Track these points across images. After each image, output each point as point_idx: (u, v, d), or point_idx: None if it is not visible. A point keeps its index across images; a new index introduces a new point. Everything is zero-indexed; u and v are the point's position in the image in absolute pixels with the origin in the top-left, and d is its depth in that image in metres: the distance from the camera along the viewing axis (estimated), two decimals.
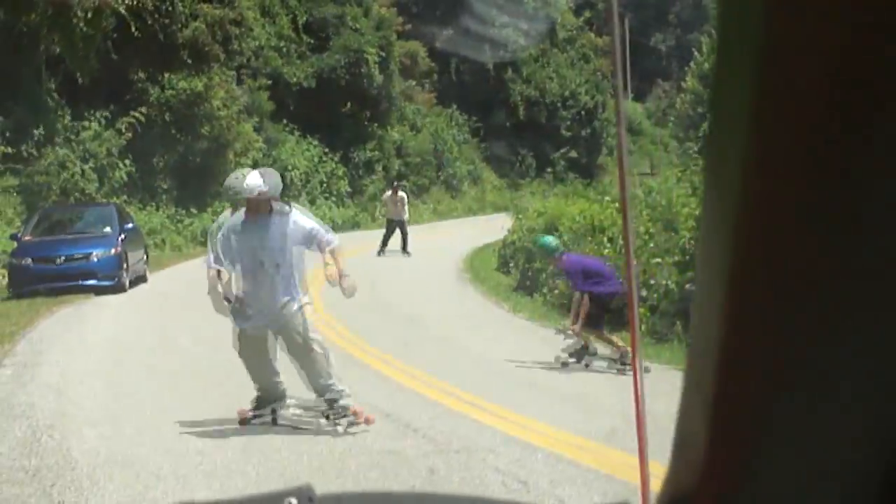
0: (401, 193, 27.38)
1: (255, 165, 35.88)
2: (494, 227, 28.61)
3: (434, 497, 2.13)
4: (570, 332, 11.71)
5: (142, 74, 31.38)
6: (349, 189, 43.41)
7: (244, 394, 8.91)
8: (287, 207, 8.70)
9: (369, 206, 43.74)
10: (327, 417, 8.57)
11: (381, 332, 14.59)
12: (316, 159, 41.27)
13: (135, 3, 27.33)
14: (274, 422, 8.67)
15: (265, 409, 8.74)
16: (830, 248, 0.75)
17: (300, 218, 8.63)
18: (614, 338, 11.66)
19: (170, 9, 30.59)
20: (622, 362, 11.26)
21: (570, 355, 11.68)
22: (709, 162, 0.82)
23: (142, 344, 13.80)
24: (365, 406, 9.12)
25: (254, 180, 8.41)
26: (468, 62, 55.90)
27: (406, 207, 27.08)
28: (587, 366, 11.67)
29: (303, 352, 8.51)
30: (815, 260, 0.75)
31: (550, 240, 12.84)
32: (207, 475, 7.33)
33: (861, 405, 0.78)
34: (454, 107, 54.33)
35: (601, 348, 11.91)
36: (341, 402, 8.53)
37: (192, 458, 7.70)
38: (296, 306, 8.49)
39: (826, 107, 0.72)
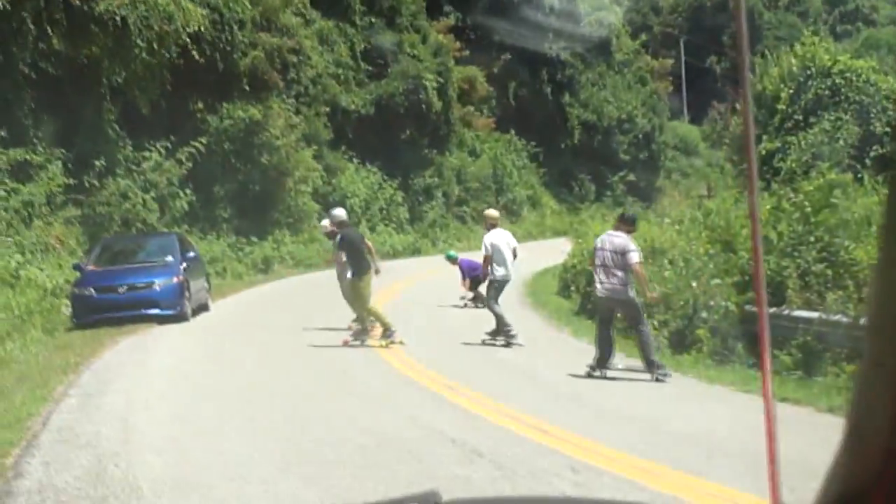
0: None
1: (314, 193, 36.06)
2: (554, 251, 28.29)
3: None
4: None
5: (201, 104, 31.58)
6: (409, 215, 43.38)
7: (308, 417, 8.68)
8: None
9: (429, 232, 43.66)
10: None
11: (445, 358, 14.49)
12: (375, 186, 41.30)
13: (195, 31, 27.44)
14: None
15: None
16: None
17: None
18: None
19: (229, 37, 30.78)
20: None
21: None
22: None
23: (205, 372, 13.74)
24: (430, 432, 9.00)
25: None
26: (526, 86, 55.79)
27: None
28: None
29: None
30: None
31: (452, 253, 22.32)
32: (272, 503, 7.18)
33: None
34: (512, 132, 54.22)
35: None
36: None
37: (256, 487, 7.55)
38: None
39: None
